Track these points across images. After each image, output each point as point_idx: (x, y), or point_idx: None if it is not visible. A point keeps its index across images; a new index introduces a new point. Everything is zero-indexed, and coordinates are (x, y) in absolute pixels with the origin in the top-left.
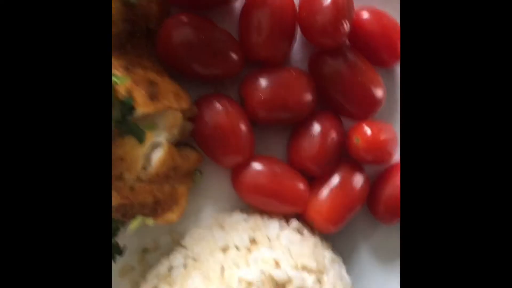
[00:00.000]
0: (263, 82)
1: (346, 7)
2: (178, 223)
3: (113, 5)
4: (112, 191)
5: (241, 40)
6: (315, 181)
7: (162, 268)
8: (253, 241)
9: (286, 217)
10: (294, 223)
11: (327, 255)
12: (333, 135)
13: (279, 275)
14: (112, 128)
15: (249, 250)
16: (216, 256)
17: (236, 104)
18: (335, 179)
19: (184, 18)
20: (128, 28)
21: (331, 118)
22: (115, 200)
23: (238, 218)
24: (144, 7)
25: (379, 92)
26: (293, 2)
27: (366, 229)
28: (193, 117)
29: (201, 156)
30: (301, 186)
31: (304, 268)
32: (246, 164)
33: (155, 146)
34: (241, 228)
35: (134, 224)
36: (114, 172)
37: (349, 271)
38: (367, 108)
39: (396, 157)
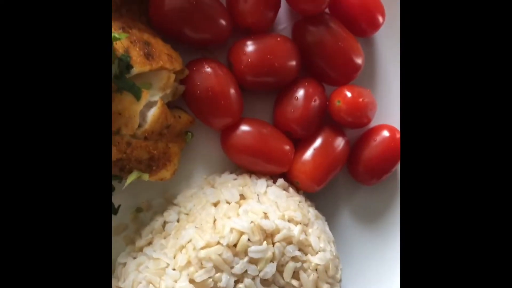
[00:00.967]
0: (250, 47)
1: None
2: (170, 184)
3: None
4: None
5: (228, 7)
6: (299, 143)
7: (156, 224)
8: (242, 196)
9: (272, 177)
10: (280, 181)
11: (311, 210)
12: (316, 99)
13: (267, 224)
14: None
15: (239, 204)
16: (208, 210)
17: (226, 68)
18: (318, 141)
19: None
20: None
21: (314, 83)
22: (114, 154)
23: (227, 177)
24: None
25: (358, 59)
26: None
27: (346, 191)
28: (184, 80)
29: (192, 118)
30: (287, 147)
31: (291, 219)
32: (234, 126)
33: (150, 105)
34: (231, 185)
35: (131, 178)
36: (113, 126)
37: (331, 229)
38: (347, 73)
39: (374, 121)
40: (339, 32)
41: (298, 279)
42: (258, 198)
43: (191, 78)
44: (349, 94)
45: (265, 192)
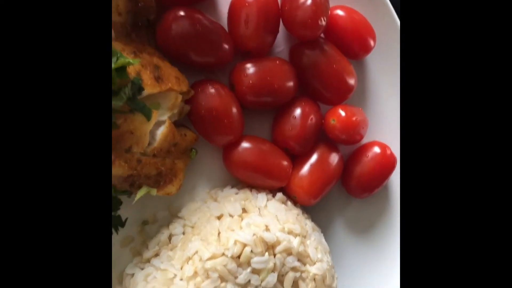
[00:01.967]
0: (251, 69)
1: (323, 5)
2: (175, 197)
3: None
4: (122, 163)
5: (230, 32)
6: (296, 159)
7: (163, 236)
8: (244, 210)
9: (271, 191)
10: (279, 195)
11: (308, 223)
12: (312, 117)
13: (269, 237)
14: (123, 105)
15: (241, 217)
16: (212, 223)
17: (228, 89)
18: (314, 157)
19: (181, 12)
20: (132, 19)
21: (310, 103)
22: (125, 171)
23: (229, 192)
24: (145, 1)
25: (351, 80)
26: None
27: (340, 204)
28: (189, 100)
29: (196, 136)
30: (285, 162)
31: (290, 232)
32: (236, 143)
33: (158, 124)
34: (233, 199)
35: (140, 193)
36: (125, 145)
37: (326, 240)
38: (341, 93)
39: (366, 138)
40: (333, 55)
41: None
42: (259, 211)
43: (196, 98)
44: (343, 113)
45: (266, 206)
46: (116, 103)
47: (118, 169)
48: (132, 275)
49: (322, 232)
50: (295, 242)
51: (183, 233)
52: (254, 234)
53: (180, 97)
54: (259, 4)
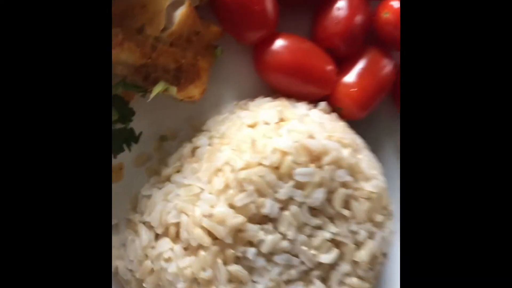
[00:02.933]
0: None
1: None
2: (197, 111)
3: None
4: (133, 47)
5: None
6: (342, 63)
7: (185, 150)
8: (281, 119)
9: (312, 102)
10: (323, 104)
11: (358, 138)
12: (360, 11)
13: (314, 144)
14: None
15: (279, 125)
16: (244, 132)
17: None
18: (363, 62)
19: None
20: None
21: None
22: (137, 58)
23: (262, 101)
24: None
25: None
26: None
27: (391, 124)
28: None
29: (221, 30)
30: (329, 67)
31: (339, 141)
32: (269, 40)
33: (176, 5)
34: (268, 106)
35: (157, 89)
36: (135, 22)
37: None
38: None
39: None
40: None
41: (349, 208)
42: (301, 120)
43: None
44: (396, 4)
45: (307, 115)
46: None
47: (129, 55)
48: (149, 196)
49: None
50: (345, 152)
51: (209, 145)
52: (296, 141)
53: None
54: None
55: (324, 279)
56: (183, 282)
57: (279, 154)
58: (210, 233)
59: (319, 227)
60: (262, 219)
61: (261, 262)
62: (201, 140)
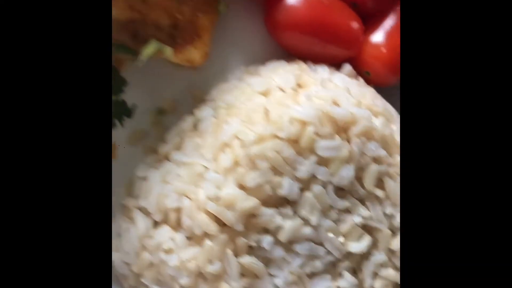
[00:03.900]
0: None
1: None
2: (199, 78)
3: None
4: None
5: None
6: (369, 20)
7: (185, 124)
8: (299, 85)
9: (334, 66)
10: (347, 67)
11: (390, 107)
12: None
13: (340, 113)
14: None
15: (296, 92)
16: (255, 100)
17: None
18: (393, 18)
19: None
20: None
21: None
22: (123, 11)
23: (276, 65)
24: None
25: None
26: None
27: None
28: None
29: None
30: (355, 24)
31: (370, 109)
32: None
33: None
34: (283, 71)
35: (149, 50)
36: None
37: None
38: None
39: None
40: None
41: (383, 188)
42: (322, 84)
43: None
44: None
45: (330, 80)
46: None
47: (113, 9)
48: (145, 178)
49: None
50: (378, 122)
51: (215, 116)
52: (318, 109)
53: None
54: None
55: (354, 271)
56: (186, 277)
57: (298, 124)
58: (217, 219)
59: (347, 211)
60: (280, 202)
61: (279, 252)
62: (204, 111)
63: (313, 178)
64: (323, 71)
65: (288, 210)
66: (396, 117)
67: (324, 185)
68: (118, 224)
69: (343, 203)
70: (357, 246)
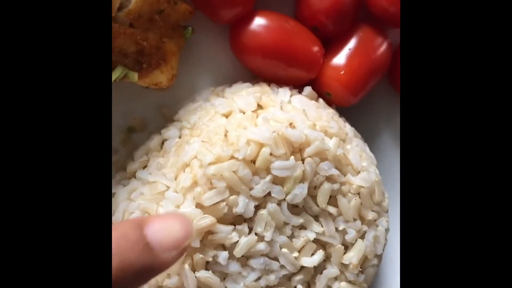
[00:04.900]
0: None
1: None
2: (169, 99)
3: None
4: None
5: None
6: (330, 43)
7: (152, 143)
8: (259, 106)
9: (296, 87)
10: (307, 89)
11: (348, 126)
12: None
13: (295, 135)
14: None
15: (256, 114)
16: (217, 121)
17: None
18: (353, 41)
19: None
20: None
21: None
22: None
23: (241, 86)
24: None
25: None
26: None
27: (387, 107)
28: None
29: (192, 8)
30: (315, 47)
31: (324, 131)
32: (247, 18)
33: None
34: (245, 93)
35: (115, 75)
36: None
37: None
38: None
39: None
40: None
41: (335, 205)
42: (281, 107)
43: None
44: None
45: (289, 101)
46: None
47: None
48: (114, 194)
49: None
50: (331, 143)
51: (179, 137)
52: (274, 131)
53: None
54: None
55: (308, 285)
56: None
57: (254, 146)
58: None
59: (301, 227)
60: (236, 219)
61: (234, 267)
62: (170, 131)
63: (268, 196)
64: (284, 93)
65: (244, 227)
66: (351, 136)
67: (279, 203)
68: None
69: (297, 220)
70: (311, 260)
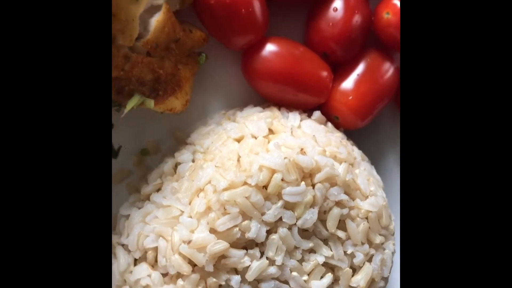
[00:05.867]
0: None
1: None
2: (181, 122)
3: None
4: None
5: None
6: (338, 68)
7: (166, 166)
8: (270, 131)
9: (305, 112)
10: (316, 113)
11: (355, 150)
12: (358, 12)
13: (305, 161)
14: None
15: (267, 139)
16: (229, 146)
17: None
18: (361, 66)
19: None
20: None
21: None
22: None
23: (251, 111)
24: None
25: None
26: None
27: (394, 131)
28: None
29: (206, 35)
30: (324, 73)
31: (333, 156)
32: (258, 45)
33: (153, 10)
34: (257, 118)
35: (132, 103)
36: None
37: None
38: None
39: None
40: None
41: (344, 229)
42: (292, 132)
43: None
44: (399, 4)
45: (299, 126)
46: None
47: None
48: (128, 216)
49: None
50: (340, 168)
51: (193, 161)
52: (285, 158)
53: None
54: None
55: None
56: None
57: (266, 172)
58: (190, 260)
59: (311, 251)
60: (248, 243)
61: None
62: (184, 155)
63: (279, 221)
64: (294, 118)
65: (255, 251)
66: (359, 160)
67: (290, 227)
68: None
69: (307, 244)
70: (320, 283)
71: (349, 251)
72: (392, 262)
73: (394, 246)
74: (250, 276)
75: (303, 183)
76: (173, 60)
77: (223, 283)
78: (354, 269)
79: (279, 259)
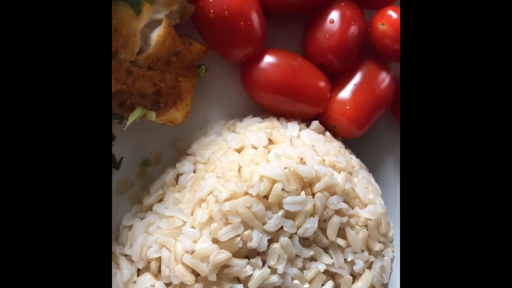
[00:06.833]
0: None
1: None
2: (182, 132)
3: None
4: None
5: None
6: (336, 79)
7: (168, 177)
8: (270, 141)
9: (304, 121)
10: (315, 123)
11: (354, 158)
12: (355, 24)
13: (305, 171)
14: None
15: (267, 149)
16: (230, 157)
17: None
18: (358, 76)
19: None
20: None
21: (351, 5)
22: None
23: (251, 121)
24: None
25: None
26: None
27: (390, 139)
28: None
29: (205, 48)
30: (321, 83)
31: (333, 166)
32: (257, 57)
33: (153, 25)
34: (256, 128)
35: (134, 116)
36: None
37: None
38: None
39: None
40: None
41: (344, 237)
42: (291, 142)
43: None
44: (394, 16)
45: (298, 136)
46: None
47: None
48: (131, 227)
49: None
50: (339, 177)
51: (194, 172)
52: (285, 168)
53: None
54: None
55: None
56: None
57: (267, 182)
58: (193, 270)
59: (312, 259)
60: (250, 253)
61: None
62: (185, 166)
63: (280, 230)
64: (293, 128)
65: (257, 260)
66: (358, 168)
67: (291, 236)
68: None
69: (308, 252)
70: None
71: (349, 259)
72: (391, 268)
73: (393, 253)
74: (252, 285)
75: (303, 192)
76: (173, 73)
77: None
78: (354, 276)
79: (280, 268)
